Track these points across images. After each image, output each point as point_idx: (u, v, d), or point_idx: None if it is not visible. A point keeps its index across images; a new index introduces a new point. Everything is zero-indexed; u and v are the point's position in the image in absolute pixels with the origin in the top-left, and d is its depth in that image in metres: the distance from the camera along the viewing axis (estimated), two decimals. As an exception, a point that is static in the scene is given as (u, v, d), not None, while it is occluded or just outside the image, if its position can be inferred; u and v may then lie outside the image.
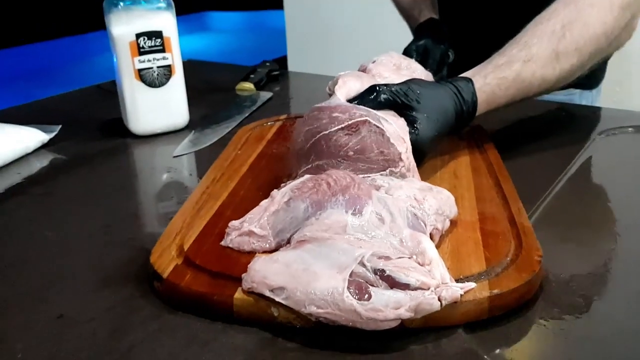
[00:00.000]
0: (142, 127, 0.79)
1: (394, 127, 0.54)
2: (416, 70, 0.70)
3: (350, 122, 0.52)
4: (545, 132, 0.77)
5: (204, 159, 0.72)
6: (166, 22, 0.76)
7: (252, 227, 0.47)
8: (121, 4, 0.74)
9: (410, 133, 0.57)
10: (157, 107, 0.78)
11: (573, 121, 0.81)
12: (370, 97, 0.58)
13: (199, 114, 0.85)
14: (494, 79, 0.64)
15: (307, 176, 0.49)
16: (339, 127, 0.52)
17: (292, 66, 1.99)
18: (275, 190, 0.50)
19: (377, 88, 0.58)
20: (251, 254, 0.47)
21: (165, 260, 0.47)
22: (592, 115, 0.84)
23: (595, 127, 0.74)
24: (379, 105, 0.57)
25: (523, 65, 0.64)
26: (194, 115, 0.83)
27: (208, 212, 0.54)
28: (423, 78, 0.68)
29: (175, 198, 0.63)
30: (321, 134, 0.52)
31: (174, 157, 0.73)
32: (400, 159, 0.52)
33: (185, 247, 0.48)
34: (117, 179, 0.70)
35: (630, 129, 0.75)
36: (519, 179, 0.58)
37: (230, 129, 0.81)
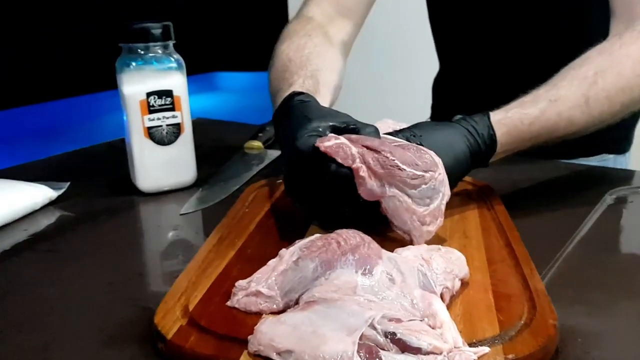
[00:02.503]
0: (149, 185, 0.79)
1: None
2: None
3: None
4: (555, 193, 0.76)
5: (211, 217, 0.71)
6: (177, 81, 0.77)
7: (259, 287, 0.46)
8: (133, 63, 0.76)
9: None
10: (165, 164, 0.79)
11: (583, 182, 0.81)
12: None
13: (207, 172, 0.85)
14: (517, 113, 0.63)
15: (316, 235, 0.49)
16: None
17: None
18: (283, 249, 0.49)
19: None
20: (258, 315, 0.46)
21: (170, 321, 0.46)
22: (601, 175, 0.84)
23: (605, 188, 0.74)
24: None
25: (549, 104, 0.63)
26: (201, 173, 0.83)
27: (214, 271, 0.53)
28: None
29: (181, 257, 0.63)
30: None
31: (181, 214, 0.73)
32: (438, 166, 0.53)
33: (190, 308, 0.47)
34: (123, 236, 0.69)
35: (641, 189, 0.74)
36: (530, 240, 0.57)
37: (237, 186, 0.81)
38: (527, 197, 0.74)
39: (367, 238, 0.47)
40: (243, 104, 4.87)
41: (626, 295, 0.53)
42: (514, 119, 0.62)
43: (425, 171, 0.52)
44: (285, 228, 0.63)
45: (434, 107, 1.13)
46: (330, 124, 0.57)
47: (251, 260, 0.54)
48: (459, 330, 0.41)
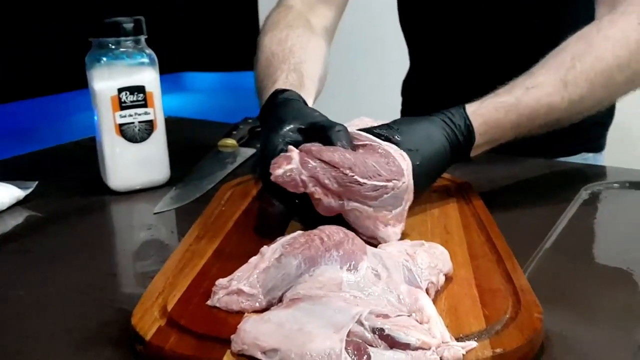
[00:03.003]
0: (121, 183, 0.77)
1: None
2: None
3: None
4: (532, 189, 0.76)
5: (185, 216, 0.70)
6: (149, 77, 0.75)
7: (240, 285, 0.45)
8: (104, 59, 0.73)
9: None
10: (137, 162, 0.77)
11: (558, 178, 0.81)
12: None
13: (180, 171, 0.83)
14: (492, 102, 0.62)
15: (298, 232, 0.48)
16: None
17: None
18: (265, 246, 0.48)
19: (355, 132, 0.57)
20: (240, 314, 0.44)
21: (148, 322, 0.44)
22: (576, 172, 0.85)
23: (580, 184, 0.74)
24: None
25: (525, 92, 0.62)
26: (175, 172, 0.81)
27: (192, 270, 0.52)
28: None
29: (156, 256, 0.61)
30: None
31: (155, 214, 0.71)
32: (403, 174, 0.52)
33: (169, 308, 0.46)
34: (94, 236, 0.67)
35: (615, 184, 0.75)
36: (509, 236, 0.57)
37: (212, 185, 0.79)
38: (505, 193, 0.74)
39: (351, 234, 0.46)
40: (211, 105, 4.82)
41: (604, 287, 0.53)
42: (489, 109, 0.61)
43: (389, 180, 0.52)
44: (264, 226, 0.62)
45: (403, 107, 1.13)
46: (299, 126, 0.58)
47: (230, 258, 0.53)
48: (446, 325, 0.41)
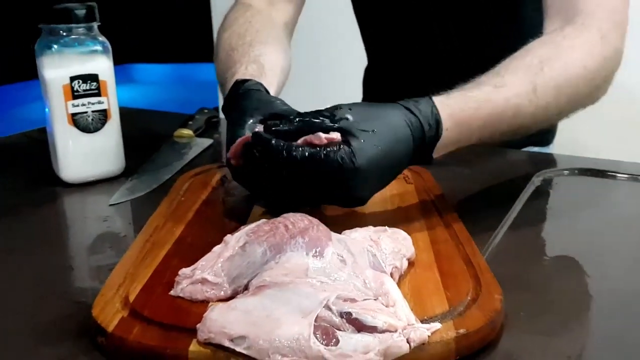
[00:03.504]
0: (74, 175, 0.74)
1: None
2: None
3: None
4: (486, 176, 0.78)
5: (142, 208, 0.68)
6: (102, 65, 0.73)
7: (205, 274, 0.45)
8: (54, 46, 0.71)
9: (343, 157, 0.49)
10: (91, 153, 0.74)
11: (512, 166, 0.84)
12: (288, 125, 0.52)
13: (135, 161, 0.81)
14: (460, 95, 0.57)
15: (262, 220, 0.47)
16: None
17: (223, 116, 1.97)
18: (228, 235, 0.48)
19: (299, 113, 0.55)
20: (204, 303, 0.44)
21: (109, 314, 0.43)
22: (529, 160, 0.87)
23: (532, 171, 0.77)
24: (300, 131, 0.51)
25: (494, 90, 0.58)
26: (130, 163, 0.79)
27: (153, 261, 0.51)
28: None
29: (114, 248, 0.59)
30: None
31: (110, 205, 0.69)
32: None
33: (131, 299, 0.45)
34: (47, 229, 0.65)
35: (565, 171, 0.77)
36: (466, 221, 0.59)
37: (169, 175, 0.78)
38: (460, 180, 0.76)
39: (315, 220, 0.47)
40: (162, 97, 4.72)
41: (557, 269, 0.55)
42: (458, 101, 0.56)
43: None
44: (225, 215, 0.61)
45: (364, 98, 1.14)
46: (261, 117, 0.59)
47: (192, 248, 0.52)
48: (410, 308, 0.42)
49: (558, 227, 0.66)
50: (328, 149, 0.49)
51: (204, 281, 0.44)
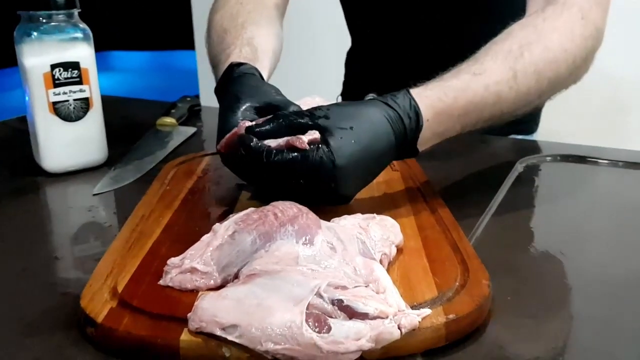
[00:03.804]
0: (56, 164, 0.73)
1: None
2: None
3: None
4: (470, 163, 0.79)
5: (127, 197, 0.68)
6: (84, 52, 0.72)
7: (194, 263, 0.44)
8: (34, 33, 0.70)
9: (322, 157, 0.49)
10: (73, 142, 0.74)
11: (495, 153, 0.84)
12: (269, 125, 0.52)
13: (118, 151, 0.80)
14: (438, 86, 0.56)
15: (251, 209, 0.47)
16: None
17: (205, 104, 1.95)
18: (217, 224, 0.47)
19: (278, 114, 0.54)
20: (194, 292, 0.44)
21: (98, 304, 0.43)
22: (512, 146, 0.88)
23: (516, 158, 0.77)
24: (280, 131, 0.51)
25: (473, 77, 0.58)
26: (112, 152, 0.79)
27: (141, 250, 0.51)
28: None
29: (100, 238, 0.59)
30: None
31: (94, 195, 0.69)
32: None
33: (120, 289, 0.44)
34: (30, 220, 0.64)
35: (548, 158, 0.78)
36: (452, 207, 0.59)
37: (153, 164, 0.77)
38: (444, 168, 0.76)
39: (304, 208, 0.47)
40: (141, 85, 4.67)
41: (542, 254, 0.56)
42: (436, 92, 0.56)
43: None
44: (212, 203, 0.61)
45: (345, 83, 1.13)
46: (255, 104, 0.58)
47: (179, 238, 0.52)
48: (400, 295, 0.42)
49: (541, 212, 0.66)
50: (307, 152, 0.49)
51: (193, 270, 0.44)
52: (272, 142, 0.51)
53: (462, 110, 0.57)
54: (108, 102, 0.79)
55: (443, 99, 0.56)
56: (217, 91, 0.65)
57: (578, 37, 0.63)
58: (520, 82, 0.59)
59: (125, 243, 0.52)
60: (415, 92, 0.56)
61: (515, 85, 0.59)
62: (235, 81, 0.62)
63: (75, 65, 0.71)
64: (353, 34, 1.09)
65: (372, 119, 0.52)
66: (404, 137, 0.54)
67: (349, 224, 0.47)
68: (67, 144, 0.73)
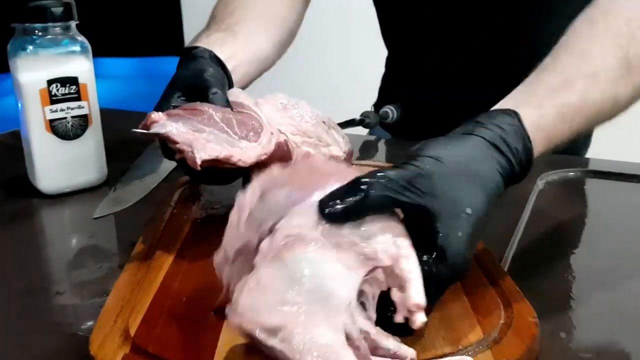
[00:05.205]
0: (53, 185, 0.69)
1: None
2: (306, 112, 0.57)
3: None
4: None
5: (131, 220, 0.64)
6: (82, 67, 0.68)
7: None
8: (30, 47, 0.65)
9: (427, 262, 0.36)
10: (71, 161, 0.69)
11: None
12: (355, 200, 0.36)
13: (117, 168, 0.76)
14: (553, 107, 0.45)
15: (273, 168, 0.42)
16: None
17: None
18: (239, 191, 0.41)
19: (364, 181, 0.37)
20: (215, 330, 0.40)
21: (110, 351, 0.39)
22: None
23: (535, 174, 0.74)
24: (371, 209, 0.36)
25: (588, 83, 0.46)
26: (111, 170, 0.74)
27: (151, 285, 0.46)
28: (313, 120, 0.56)
29: (104, 269, 0.55)
30: None
31: (95, 218, 0.64)
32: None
33: (132, 332, 0.40)
34: (27, 248, 0.60)
35: (571, 173, 0.75)
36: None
37: (156, 183, 0.73)
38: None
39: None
40: (129, 93, 4.60)
41: (589, 279, 0.52)
42: (553, 117, 0.44)
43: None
44: (224, 225, 0.57)
45: (382, 89, 1.06)
46: (186, 84, 0.56)
47: (193, 268, 0.48)
48: (441, 337, 0.38)
49: (571, 232, 0.63)
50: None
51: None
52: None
53: (575, 132, 0.47)
54: (104, 116, 0.75)
55: (559, 126, 0.45)
56: None
57: None
58: (634, 74, 0.47)
59: (133, 277, 0.48)
60: (529, 121, 0.43)
61: (630, 80, 0.48)
62: (178, 67, 0.60)
63: (73, 81, 0.67)
64: (388, 44, 1.03)
65: (487, 185, 0.40)
66: (511, 181, 0.43)
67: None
68: (65, 163, 0.69)
